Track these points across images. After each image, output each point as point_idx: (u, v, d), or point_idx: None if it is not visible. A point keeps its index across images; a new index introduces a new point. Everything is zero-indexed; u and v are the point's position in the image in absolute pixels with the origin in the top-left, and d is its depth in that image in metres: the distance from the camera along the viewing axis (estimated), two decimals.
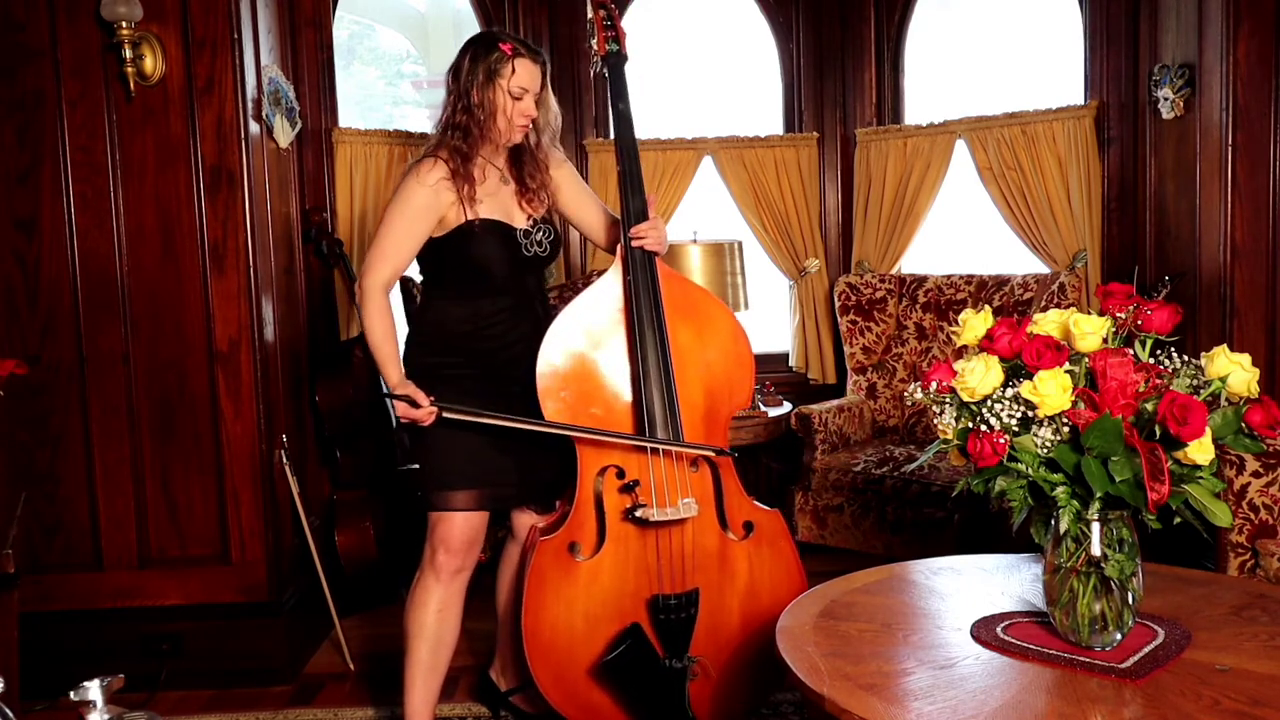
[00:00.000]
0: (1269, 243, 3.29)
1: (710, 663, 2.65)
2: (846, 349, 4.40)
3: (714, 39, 4.84)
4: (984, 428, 1.80)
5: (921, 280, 4.35)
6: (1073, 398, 1.75)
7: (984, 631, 1.95)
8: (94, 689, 1.63)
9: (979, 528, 3.52)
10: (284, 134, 3.46)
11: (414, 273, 4.06)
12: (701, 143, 4.50)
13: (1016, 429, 1.79)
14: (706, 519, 2.64)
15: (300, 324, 3.69)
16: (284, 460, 3.36)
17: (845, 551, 3.86)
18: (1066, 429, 1.76)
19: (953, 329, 2.09)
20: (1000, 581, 2.24)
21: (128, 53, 3.02)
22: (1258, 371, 1.82)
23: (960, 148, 4.34)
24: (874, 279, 4.41)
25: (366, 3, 5.09)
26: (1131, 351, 1.83)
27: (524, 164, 2.67)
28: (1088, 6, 4.10)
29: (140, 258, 3.20)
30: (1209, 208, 3.40)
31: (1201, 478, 1.77)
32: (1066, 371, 1.77)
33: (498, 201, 2.63)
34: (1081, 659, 1.82)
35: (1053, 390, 1.74)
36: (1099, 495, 1.74)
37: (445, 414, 2.49)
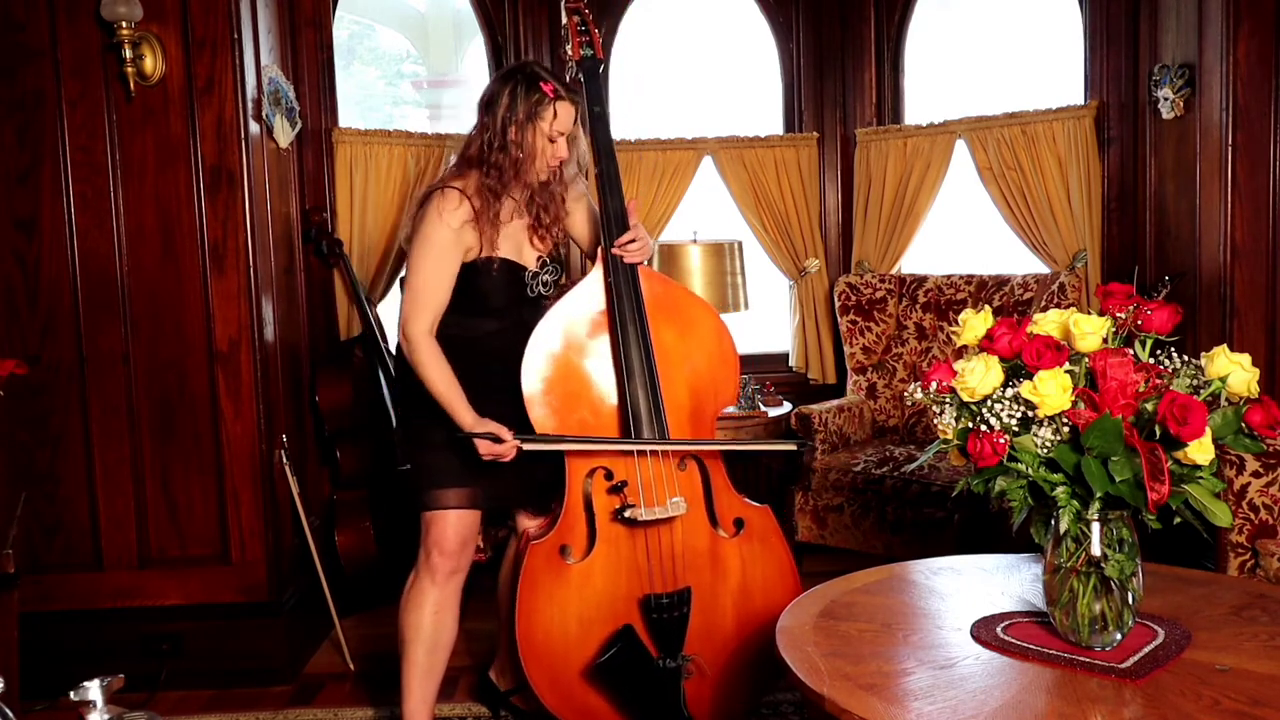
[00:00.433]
0: (1269, 243, 3.29)
1: (706, 661, 2.65)
2: (846, 349, 4.40)
3: (714, 39, 4.85)
4: (984, 428, 1.80)
5: (921, 280, 4.35)
6: (1073, 398, 1.75)
7: (984, 631, 1.96)
8: (94, 689, 1.63)
9: (979, 528, 3.52)
10: (284, 134, 3.46)
11: None
12: (701, 143, 4.50)
13: (1016, 429, 1.79)
14: (696, 517, 2.65)
15: (300, 324, 3.69)
16: (284, 460, 3.37)
17: (845, 551, 3.86)
18: (1066, 429, 1.76)
19: (953, 329, 2.09)
20: (1000, 581, 2.24)
21: (128, 53, 3.02)
22: (1258, 371, 1.82)
23: (960, 148, 4.33)
24: (874, 279, 4.41)
25: (366, 3, 5.09)
26: (1131, 351, 1.83)
27: (541, 198, 2.66)
28: (1088, 6, 4.09)
29: (140, 258, 3.20)
30: (1209, 208, 3.41)
31: (1201, 478, 1.77)
32: (1066, 371, 1.77)
33: (511, 236, 2.63)
34: (1081, 659, 1.82)
35: (1053, 390, 1.74)
36: (1099, 495, 1.74)
37: (526, 446, 2.52)
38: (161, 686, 3.24)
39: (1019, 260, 4.28)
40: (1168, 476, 1.69)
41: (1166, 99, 3.59)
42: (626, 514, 2.56)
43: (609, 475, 2.60)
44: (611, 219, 2.67)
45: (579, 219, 2.79)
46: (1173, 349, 1.86)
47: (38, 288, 3.19)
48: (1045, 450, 1.77)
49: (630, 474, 2.59)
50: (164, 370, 3.23)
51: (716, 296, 4.10)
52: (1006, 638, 1.92)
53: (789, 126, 4.65)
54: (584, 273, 2.75)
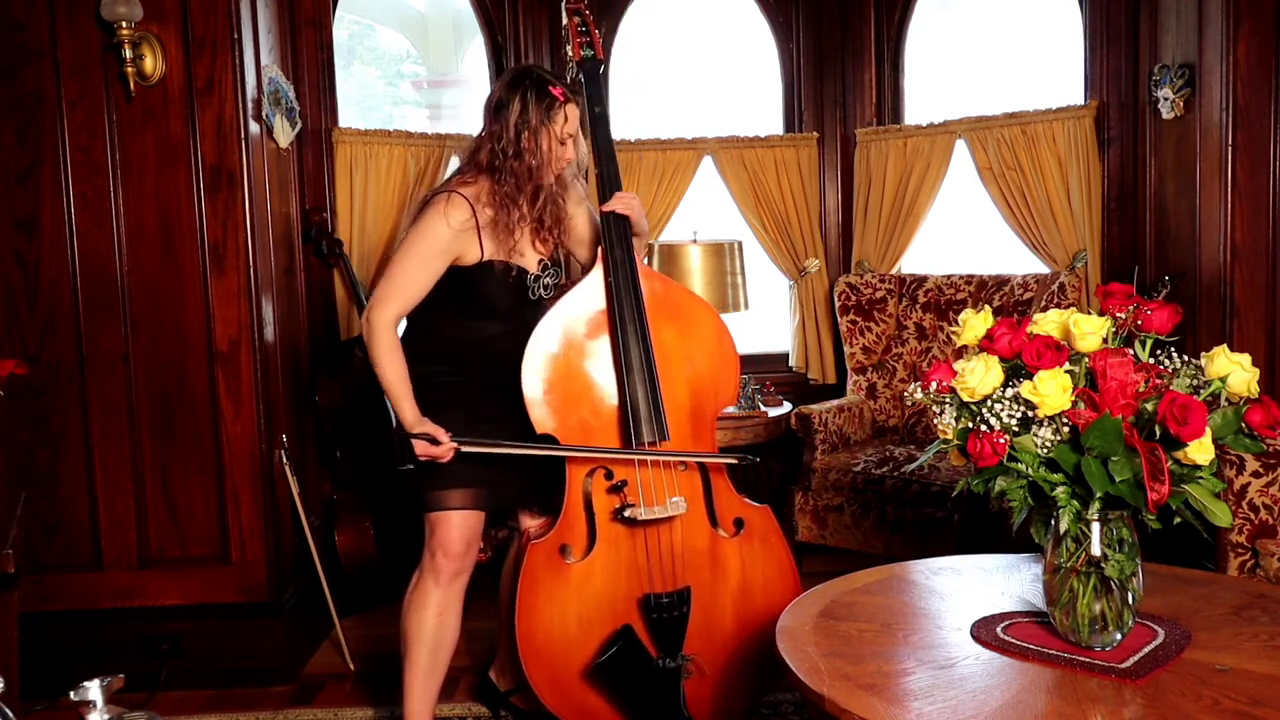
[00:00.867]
0: (1269, 243, 3.29)
1: (706, 661, 2.66)
2: (846, 349, 4.40)
3: (714, 39, 4.84)
4: (984, 428, 1.80)
5: (921, 280, 4.35)
6: (1073, 398, 1.75)
7: (984, 631, 1.96)
8: (94, 689, 1.63)
9: (979, 528, 3.52)
10: (284, 134, 3.46)
11: None
12: (701, 143, 4.50)
13: (1016, 429, 1.79)
14: (696, 517, 2.65)
15: (300, 324, 3.69)
16: (284, 460, 3.37)
17: (845, 551, 3.86)
18: (1066, 429, 1.76)
19: (953, 329, 2.09)
20: (1000, 581, 2.24)
21: (128, 53, 3.02)
22: (1258, 371, 1.82)
23: (960, 148, 4.33)
24: (874, 279, 4.41)
25: (366, 3, 5.09)
26: (1131, 351, 1.83)
27: (543, 200, 2.65)
28: (1088, 6, 4.09)
29: (140, 258, 3.20)
30: (1209, 208, 3.40)
31: (1201, 478, 1.77)
32: (1066, 371, 1.77)
33: (517, 242, 2.63)
34: (1081, 659, 1.82)
35: (1053, 390, 1.74)
36: (1099, 495, 1.74)
37: (465, 449, 2.51)
38: (161, 686, 3.24)
39: (1019, 260, 4.28)
40: (1168, 476, 1.69)
41: (1166, 99, 3.59)
42: (626, 513, 2.56)
43: (609, 475, 2.60)
44: (611, 220, 2.67)
45: (580, 223, 2.78)
46: (1173, 349, 1.86)
47: (38, 288, 3.19)
48: (1045, 450, 1.77)
49: (630, 474, 2.59)
50: (164, 370, 3.23)
51: (716, 296, 4.11)
52: (1006, 638, 1.92)
53: (789, 126, 4.65)
54: (584, 274, 2.75)
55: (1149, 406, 1.75)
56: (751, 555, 2.69)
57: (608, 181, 2.72)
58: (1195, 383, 1.81)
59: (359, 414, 3.75)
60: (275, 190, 3.42)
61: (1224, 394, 1.81)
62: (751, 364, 4.17)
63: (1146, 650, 1.85)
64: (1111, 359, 1.76)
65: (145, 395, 3.23)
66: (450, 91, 5.50)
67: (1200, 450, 1.72)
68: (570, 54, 2.84)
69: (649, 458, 2.59)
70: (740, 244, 4.27)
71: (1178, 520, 1.78)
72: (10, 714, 1.64)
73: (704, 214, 4.51)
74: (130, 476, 3.24)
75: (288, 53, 3.60)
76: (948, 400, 1.89)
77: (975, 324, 1.95)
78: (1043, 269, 4.16)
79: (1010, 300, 4.05)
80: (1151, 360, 1.84)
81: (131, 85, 3.08)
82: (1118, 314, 1.87)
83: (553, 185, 2.64)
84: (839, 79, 4.58)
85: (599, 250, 2.68)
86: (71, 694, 1.63)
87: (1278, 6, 3.23)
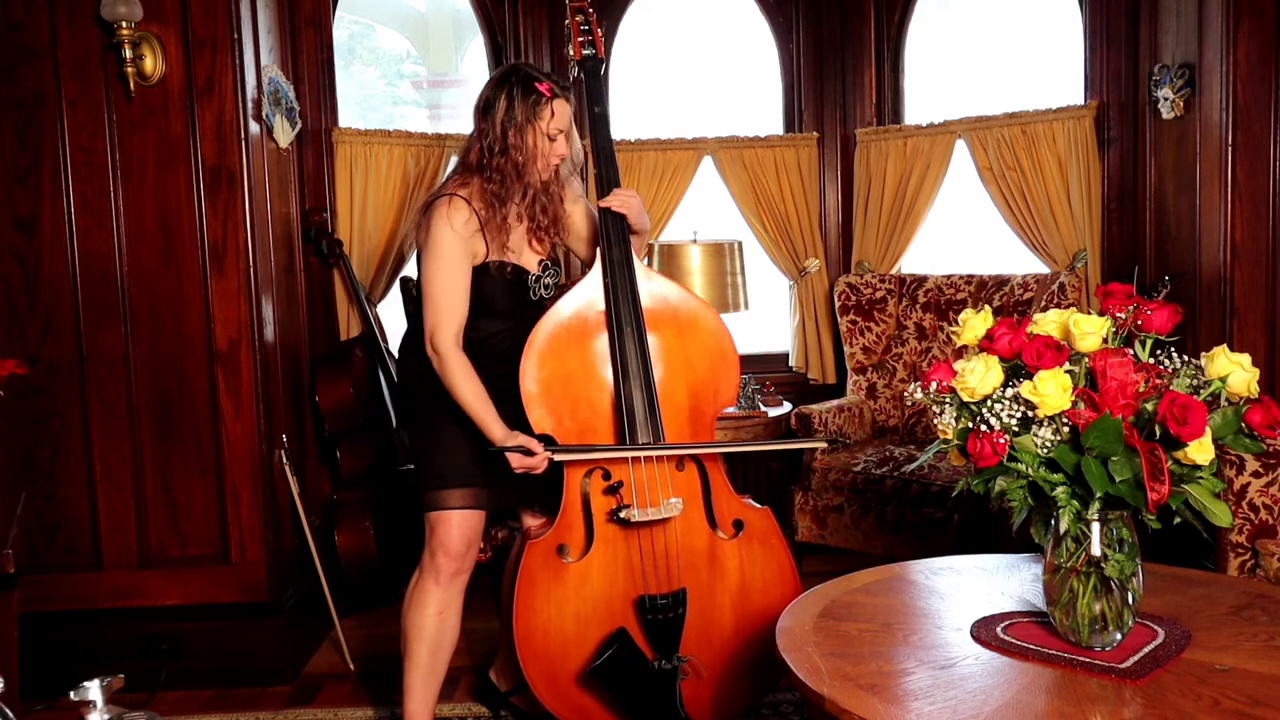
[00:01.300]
0: (1269, 243, 3.29)
1: (704, 663, 2.65)
2: (846, 349, 4.40)
3: (714, 39, 4.84)
4: (984, 428, 1.80)
5: (921, 280, 4.35)
6: (1073, 398, 1.75)
7: (984, 631, 1.96)
8: (94, 689, 1.63)
9: (979, 528, 3.52)
10: (284, 134, 3.46)
11: (414, 271, 4.07)
12: (701, 143, 4.50)
13: (1016, 429, 1.79)
14: (695, 518, 2.65)
15: (300, 324, 3.69)
16: (284, 460, 3.37)
17: (845, 551, 3.86)
18: (1066, 429, 1.76)
19: (953, 329, 2.09)
20: (1000, 581, 2.24)
21: (128, 53, 3.02)
22: (1258, 371, 1.82)
23: (960, 148, 4.33)
24: (874, 279, 4.41)
25: (366, 3, 5.08)
26: (1131, 351, 1.83)
27: (540, 199, 2.65)
28: (1088, 6, 4.09)
29: (140, 258, 3.20)
30: (1209, 208, 3.40)
31: (1201, 478, 1.77)
32: (1066, 371, 1.77)
33: (514, 240, 2.63)
34: (1081, 659, 1.82)
35: (1053, 390, 1.74)
36: (1099, 495, 1.74)
37: (557, 458, 2.52)
38: (161, 686, 3.24)
39: (1019, 260, 4.28)
40: (1168, 476, 1.69)
41: (1166, 99, 3.59)
42: (621, 515, 2.56)
43: (606, 475, 2.60)
44: (609, 220, 2.67)
45: (577, 220, 2.78)
46: (1173, 349, 1.86)
47: (38, 288, 3.19)
48: (1045, 450, 1.77)
49: (626, 475, 2.59)
50: (164, 370, 3.23)
51: (716, 296, 4.10)
52: (1006, 638, 1.92)
53: (789, 126, 4.65)
54: (584, 272, 2.75)
55: (1149, 406, 1.75)
56: (751, 557, 2.69)
57: (607, 182, 2.72)
58: (1195, 383, 1.81)
59: (359, 414, 3.76)
60: (275, 190, 3.42)
61: (1224, 394, 1.81)
62: (751, 364, 4.17)
63: (1146, 650, 1.85)
64: (1111, 359, 1.76)
65: (145, 395, 3.23)
66: (450, 91, 5.50)
67: (1200, 450, 1.72)
68: (572, 53, 2.84)
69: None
70: (740, 244, 4.27)
71: (1178, 520, 1.78)
72: (10, 714, 1.65)
73: (704, 214, 4.51)
74: (130, 476, 3.24)
75: (288, 53, 3.60)
76: (948, 400, 1.89)
77: (975, 324, 1.95)
78: (1043, 269, 4.16)
79: (1010, 300, 4.05)
80: (1151, 360, 1.84)
81: (131, 85, 3.08)
82: (1118, 314, 1.87)
83: (545, 183, 2.63)
84: (839, 79, 4.58)
85: (598, 250, 2.68)
86: (71, 694, 1.63)
87: (1278, 6, 3.22)
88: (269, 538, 3.28)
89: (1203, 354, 1.84)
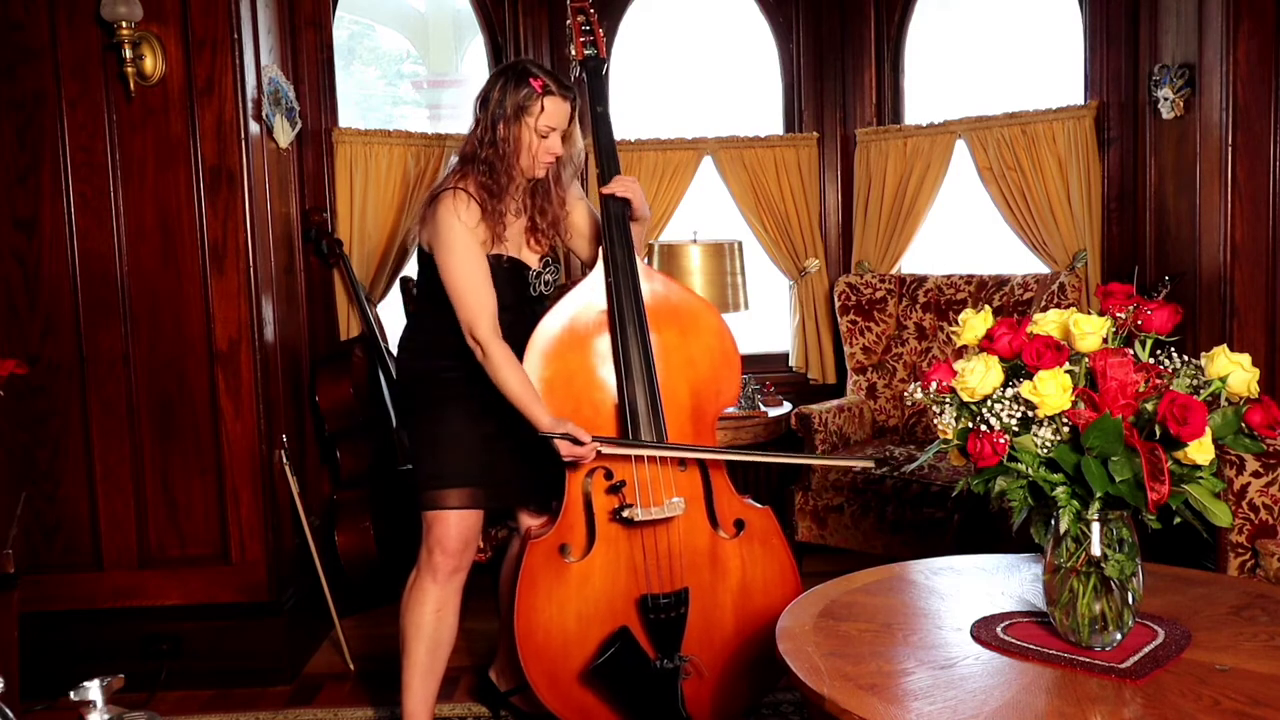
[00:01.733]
0: (1269, 243, 3.29)
1: (705, 662, 2.65)
2: (846, 349, 4.40)
3: (714, 39, 4.84)
4: (984, 428, 1.80)
5: (921, 280, 4.35)
6: (1073, 398, 1.75)
7: (984, 631, 1.96)
8: (94, 689, 1.63)
9: (979, 528, 3.52)
10: (284, 134, 3.46)
11: (414, 271, 4.07)
12: (701, 143, 4.50)
13: (1016, 429, 1.79)
14: (696, 518, 2.65)
15: (300, 324, 3.69)
16: (284, 460, 3.37)
17: (845, 551, 3.86)
18: (1066, 429, 1.76)
19: (953, 329, 2.09)
20: (1000, 581, 2.24)
21: (128, 53, 3.02)
22: (1258, 371, 1.82)
23: (960, 148, 4.33)
24: (874, 279, 4.41)
25: (366, 3, 5.08)
26: (1131, 351, 1.83)
27: (538, 199, 2.65)
28: (1088, 6, 4.09)
29: (140, 258, 3.20)
30: (1209, 208, 3.40)
31: (1201, 478, 1.77)
32: (1066, 371, 1.77)
33: (513, 235, 2.63)
34: (1081, 659, 1.82)
35: (1053, 390, 1.74)
36: (1099, 495, 1.74)
37: (605, 449, 2.52)
38: (161, 686, 3.24)
39: (1019, 260, 4.28)
40: (1168, 476, 1.69)
41: (1166, 99, 3.59)
42: (624, 514, 2.56)
43: (608, 475, 2.60)
44: (612, 219, 2.67)
45: (578, 220, 2.78)
46: (1173, 349, 1.86)
47: (38, 288, 3.19)
48: (1045, 450, 1.77)
49: (629, 474, 2.59)
50: (164, 370, 3.23)
51: (716, 296, 4.10)
52: (1006, 638, 1.92)
53: (789, 126, 4.65)
54: (585, 272, 2.75)
55: (1149, 406, 1.75)
56: (752, 556, 2.69)
57: (609, 180, 2.72)
58: (1195, 383, 1.81)
59: (359, 414, 3.76)
60: (275, 190, 3.42)
61: (1224, 394, 1.81)
62: (751, 364, 4.16)
63: (1146, 650, 1.85)
64: (1111, 359, 1.76)
65: (145, 395, 3.23)
66: (450, 91, 5.49)
67: (1200, 450, 1.72)
68: (573, 53, 2.84)
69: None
70: (740, 244, 4.27)
71: (1178, 520, 1.78)
72: (10, 714, 1.65)
73: (704, 214, 4.51)
74: (130, 476, 3.24)
75: (288, 53, 3.59)
76: (948, 400, 1.89)
77: (975, 324, 1.95)
78: (1043, 269, 4.16)
79: (1010, 300, 4.05)
80: (1151, 360, 1.84)
81: (131, 85, 3.08)
82: (1118, 314, 1.87)
83: (539, 181, 2.63)
84: (839, 79, 4.58)
85: (600, 250, 2.68)
86: (71, 694, 1.63)
87: (1278, 6, 3.22)
88: (269, 538, 3.28)
89: (1203, 354, 1.84)
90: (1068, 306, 2.85)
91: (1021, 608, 2.07)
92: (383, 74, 5.53)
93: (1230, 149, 3.29)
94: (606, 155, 2.75)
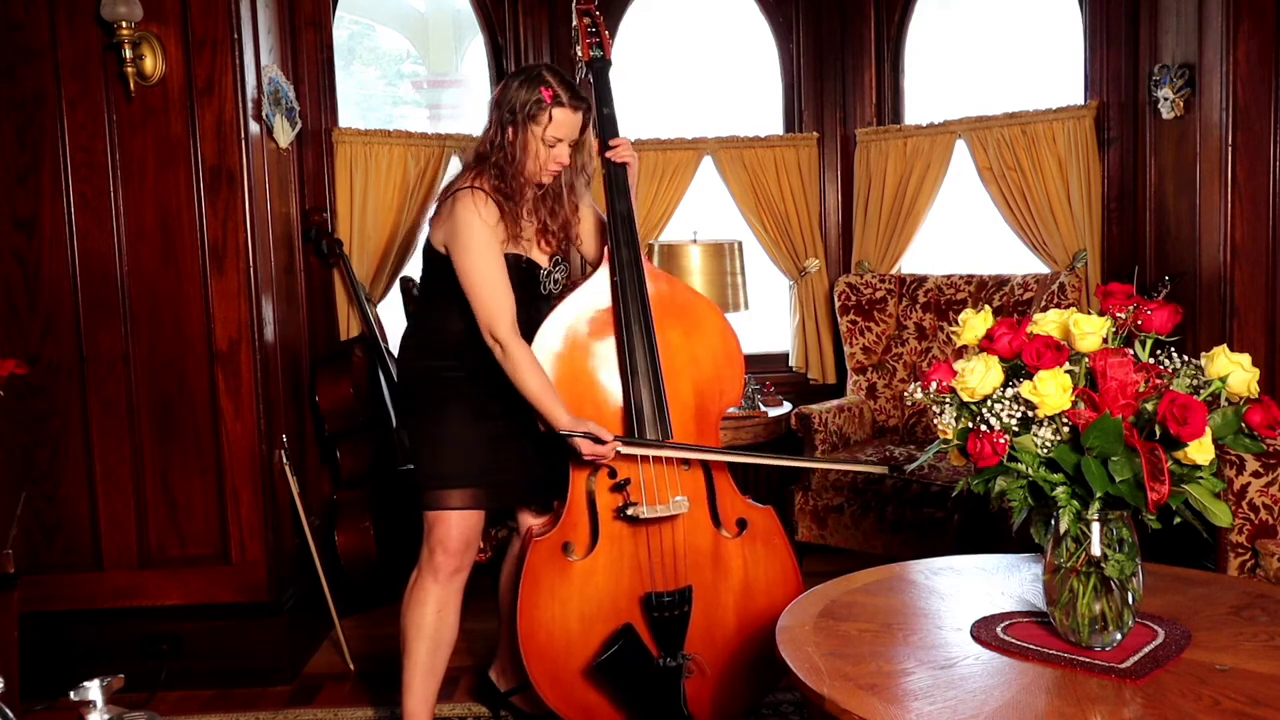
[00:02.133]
0: (1269, 243, 3.29)
1: (706, 661, 2.66)
2: (846, 349, 4.40)
3: (714, 39, 4.84)
4: (984, 428, 1.80)
5: (921, 280, 4.35)
6: (1073, 398, 1.75)
7: (984, 631, 1.96)
8: (94, 689, 1.63)
9: (979, 528, 3.52)
10: (284, 134, 3.46)
11: (414, 272, 4.07)
12: (701, 143, 4.50)
13: (1016, 429, 1.79)
14: (699, 517, 2.65)
15: (300, 324, 3.69)
16: (284, 460, 3.37)
17: (845, 551, 3.86)
18: (1066, 429, 1.76)
19: (953, 329, 2.09)
20: (1000, 581, 2.24)
21: (128, 53, 3.02)
22: (1258, 371, 1.82)
23: (960, 148, 4.33)
24: (874, 279, 4.41)
25: (366, 3, 5.08)
26: (1131, 351, 1.83)
27: (549, 201, 2.65)
28: (1088, 6, 4.09)
29: (140, 258, 3.20)
30: (1209, 208, 3.40)
31: (1201, 478, 1.77)
32: (1066, 371, 1.77)
33: (526, 234, 2.63)
34: (1081, 659, 1.82)
35: (1053, 390, 1.74)
36: (1099, 495, 1.74)
37: (624, 449, 2.53)
38: (161, 686, 3.24)
39: (1019, 260, 4.28)
40: (1168, 476, 1.69)
41: (1166, 99, 3.59)
42: (629, 512, 2.56)
43: (613, 473, 2.60)
44: (618, 220, 2.67)
45: (585, 226, 2.79)
46: (1173, 349, 1.86)
47: (38, 288, 3.19)
48: (1045, 450, 1.77)
49: (634, 472, 2.59)
50: (164, 370, 3.23)
51: (716, 296, 4.11)
52: (1006, 638, 1.92)
53: (789, 126, 4.65)
54: (590, 270, 2.75)
55: (1149, 406, 1.75)
56: (754, 556, 2.69)
57: (614, 182, 2.71)
58: (1195, 383, 1.81)
59: (359, 414, 3.76)
60: (275, 190, 3.42)
61: (1224, 394, 1.81)
62: (751, 364, 4.14)
63: (1146, 650, 1.85)
64: (1111, 359, 1.76)
65: (145, 395, 3.23)
66: (450, 91, 5.49)
67: (1200, 450, 1.72)
68: (580, 54, 2.84)
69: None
70: (740, 244, 4.27)
71: (1178, 520, 1.78)
72: (10, 714, 1.65)
73: (704, 214, 4.51)
74: (130, 476, 3.24)
75: (288, 53, 3.59)
76: (948, 400, 1.89)
77: (975, 324, 1.95)
78: (1043, 269, 4.16)
79: (1010, 300, 4.05)
80: (1151, 360, 1.84)
81: (131, 85, 3.08)
82: (1118, 314, 1.87)
83: (549, 187, 2.63)
84: (839, 79, 4.58)
85: (605, 250, 2.68)
86: (71, 694, 1.63)
87: (1278, 6, 3.22)
88: (269, 538, 3.28)
89: (1203, 354, 1.84)
90: (1068, 306, 2.86)
91: (1021, 608, 2.07)
92: (383, 74, 5.53)
93: (1230, 149, 3.29)
94: (611, 140, 2.74)
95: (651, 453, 2.57)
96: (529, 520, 2.77)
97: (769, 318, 4.71)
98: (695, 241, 4.17)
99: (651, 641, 2.60)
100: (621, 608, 2.60)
